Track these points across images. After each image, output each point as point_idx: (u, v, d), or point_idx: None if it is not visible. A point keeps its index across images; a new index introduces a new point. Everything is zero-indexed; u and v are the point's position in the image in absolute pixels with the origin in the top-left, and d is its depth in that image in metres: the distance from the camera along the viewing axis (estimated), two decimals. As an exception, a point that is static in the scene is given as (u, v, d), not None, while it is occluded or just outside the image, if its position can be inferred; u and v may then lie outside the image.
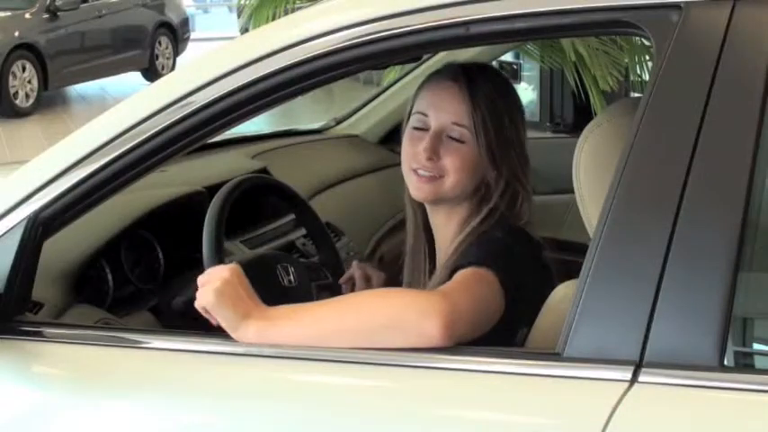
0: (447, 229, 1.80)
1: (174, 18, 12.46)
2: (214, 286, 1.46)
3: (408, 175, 1.78)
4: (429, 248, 1.87)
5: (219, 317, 1.45)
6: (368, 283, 2.05)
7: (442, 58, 2.82)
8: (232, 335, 1.44)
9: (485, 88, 1.75)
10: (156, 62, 12.02)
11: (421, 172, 1.75)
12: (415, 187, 1.77)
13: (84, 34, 10.92)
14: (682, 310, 1.19)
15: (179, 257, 2.30)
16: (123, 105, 1.62)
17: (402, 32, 1.42)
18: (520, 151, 1.77)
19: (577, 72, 4.20)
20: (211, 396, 1.43)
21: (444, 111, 1.75)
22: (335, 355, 1.37)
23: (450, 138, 1.74)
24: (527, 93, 8.16)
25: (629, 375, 1.19)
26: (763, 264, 1.31)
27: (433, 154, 1.73)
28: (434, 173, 1.74)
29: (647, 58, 4.19)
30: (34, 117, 9.92)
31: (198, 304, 1.47)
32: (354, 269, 2.09)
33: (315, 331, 1.41)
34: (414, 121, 1.79)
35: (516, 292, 1.57)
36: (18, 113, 9.85)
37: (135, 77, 11.70)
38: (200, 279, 1.49)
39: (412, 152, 1.76)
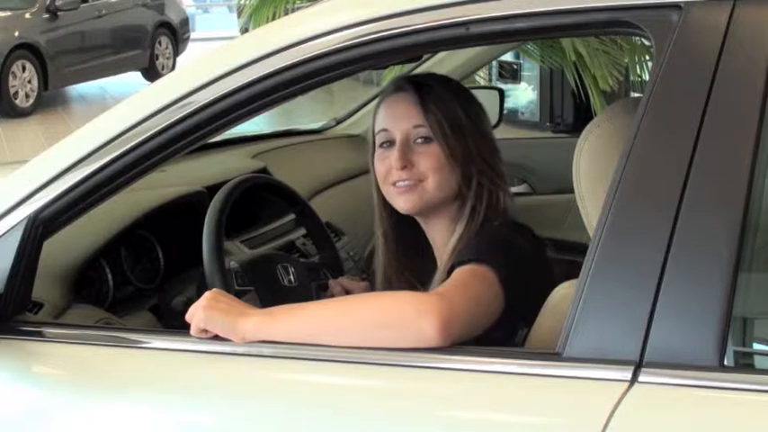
0: (441, 234, 1.79)
1: (174, 18, 12.46)
2: (200, 306, 1.48)
3: (389, 193, 1.79)
4: (421, 262, 1.87)
5: (216, 327, 1.45)
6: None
7: (442, 57, 2.83)
8: (231, 336, 1.44)
9: (435, 89, 1.77)
10: (156, 62, 12.01)
11: (399, 183, 1.75)
12: (400, 201, 1.77)
13: (85, 34, 10.91)
14: (682, 310, 1.19)
15: (179, 257, 2.30)
16: (123, 105, 1.62)
17: (402, 32, 1.42)
18: (483, 144, 1.78)
19: (577, 72, 4.20)
20: (211, 396, 1.42)
21: (402, 118, 1.76)
22: (335, 355, 1.37)
23: (417, 142, 1.75)
24: (527, 93, 8.17)
25: (629, 375, 1.19)
26: (763, 264, 1.31)
27: (407, 161, 1.74)
28: (413, 180, 1.74)
29: (647, 58, 4.19)
30: (34, 117, 9.92)
31: (193, 331, 1.47)
32: (332, 287, 2.10)
33: (313, 328, 1.41)
34: (378, 140, 1.80)
35: (516, 288, 1.57)
36: (18, 113, 9.85)
37: (135, 77, 11.70)
38: (187, 316, 1.49)
39: (385, 169, 1.78)
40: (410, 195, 1.75)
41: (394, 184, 1.76)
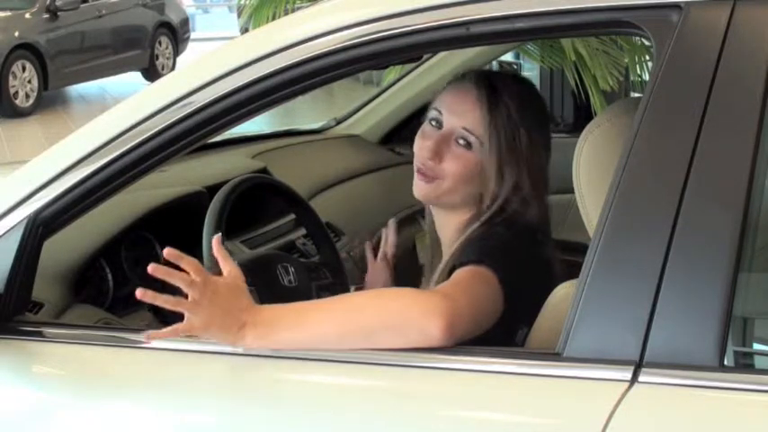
0: (447, 230, 1.79)
1: (174, 18, 12.46)
2: (198, 326, 1.40)
3: (415, 171, 1.78)
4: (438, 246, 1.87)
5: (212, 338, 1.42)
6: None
7: (442, 57, 2.83)
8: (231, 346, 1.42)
9: (506, 100, 1.71)
10: (156, 62, 12.02)
11: (421, 170, 1.75)
12: (415, 184, 1.77)
13: (84, 34, 10.91)
14: (682, 310, 1.19)
15: (179, 257, 2.29)
16: (123, 105, 1.62)
17: (402, 32, 1.42)
18: (531, 165, 1.73)
19: (577, 72, 4.19)
20: (211, 396, 1.43)
21: (458, 114, 1.73)
22: (335, 355, 1.37)
23: (458, 143, 1.73)
24: (527, 93, 8.16)
25: (629, 375, 1.19)
26: (763, 264, 1.31)
27: (435, 156, 1.73)
28: (433, 174, 1.74)
29: (647, 58, 4.19)
30: (34, 117, 9.92)
31: (180, 330, 1.41)
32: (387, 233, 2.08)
33: (315, 336, 1.39)
34: (430, 114, 1.78)
35: (516, 290, 1.57)
36: (18, 113, 9.85)
37: (135, 77, 11.70)
38: (179, 308, 1.42)
39: (418, 147, 1.77)
40: (424, 186, 1.75)
41: (418, 167, 1.76)
